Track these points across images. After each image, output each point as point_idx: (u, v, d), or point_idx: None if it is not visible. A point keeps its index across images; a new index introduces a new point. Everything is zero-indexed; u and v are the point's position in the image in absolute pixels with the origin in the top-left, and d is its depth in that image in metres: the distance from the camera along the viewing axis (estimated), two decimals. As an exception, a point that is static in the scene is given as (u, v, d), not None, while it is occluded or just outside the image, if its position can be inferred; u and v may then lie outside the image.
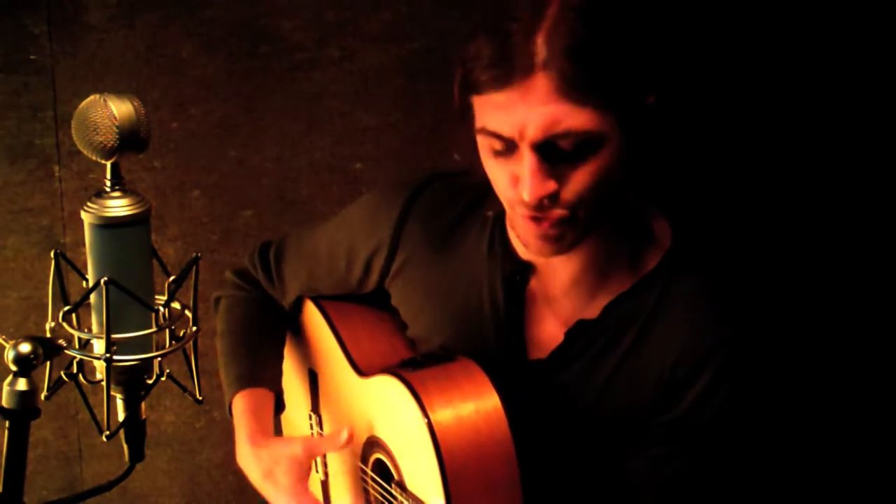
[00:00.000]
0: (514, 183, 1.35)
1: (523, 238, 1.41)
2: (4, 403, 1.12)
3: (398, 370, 1.49)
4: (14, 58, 2.19)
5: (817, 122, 2.34)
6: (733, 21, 2.30)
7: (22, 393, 1.12)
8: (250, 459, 1.62)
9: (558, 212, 1.35)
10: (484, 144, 1.37)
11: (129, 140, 1.13)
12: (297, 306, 1.79)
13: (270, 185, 2.38)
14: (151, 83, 2.26)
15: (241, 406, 1.67)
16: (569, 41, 1.26)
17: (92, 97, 1.14)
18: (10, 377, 1.12)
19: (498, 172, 1.37)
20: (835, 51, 2.30)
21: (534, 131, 1.29)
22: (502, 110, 1.30)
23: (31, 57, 2.19)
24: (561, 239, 1.38)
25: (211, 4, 2.27)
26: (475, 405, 1.43)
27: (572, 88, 1.27)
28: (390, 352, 1.64)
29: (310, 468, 1.61)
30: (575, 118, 1.28)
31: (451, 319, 1.57)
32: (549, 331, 1.52)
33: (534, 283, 1.52)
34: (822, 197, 2.36)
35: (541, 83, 1.27)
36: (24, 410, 1.12)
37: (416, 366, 1.49)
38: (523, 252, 1.51)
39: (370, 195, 1.66)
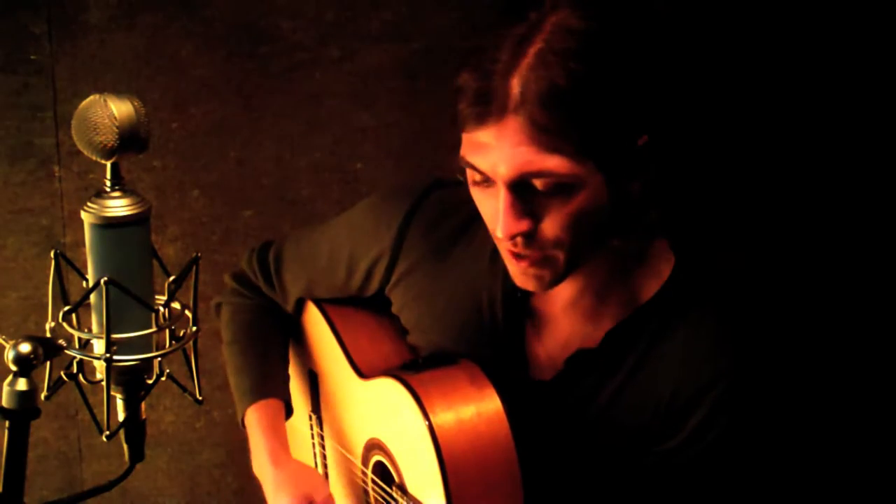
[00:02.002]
0: (495, 216, 1.34)
1: (509, 270, 1.41)
2: (4, 403, 1.12)
3: (399, 372, 1.48)
4: (14, 58, 2.19)
5: (819, 146, 2.34)
6: (724, 51, 2.30)
7: (22, 393, 1.12)
8: (268, 474, 1.64)
9: (534, 252, 1.35)
10: (468, 175, 1.37)
11: (129, 140, 1.13)
12: (298, 307, 1.79)
13: (270, 185, 2.38)
14: (151, 83, 2.26)
15: (256, 419, 1.68)
16: (543, 86, 1.25)
17: (92, 97, 1.13)
18: (10, 377, 1.12)
19: (481, 204, 1.38)
20: (835, 76, 2.30)
21: (505, 171, 1.29)
22: (479, 148, 1.31)
23: (31, 57, 2.19)
24: (540, 278, 1.38)
25: (211, 4, 2.27)
26: (476, 408, 1.42)
27: (542, 133, 1.26)
28: (392, 354, 1.63)
29: None
30: (546, 162, 1.27)
31: (451, 330, 1.56)
32: (549, 350, 1.52)
33: (534, 300, 1.52)
34: (824, 222, 2.35)
35: (511, 126, 1.27)
36: (24, 410, 1.12)
37: (417, 368, 1.49)
38: None
39: (371, 200, 1.65)
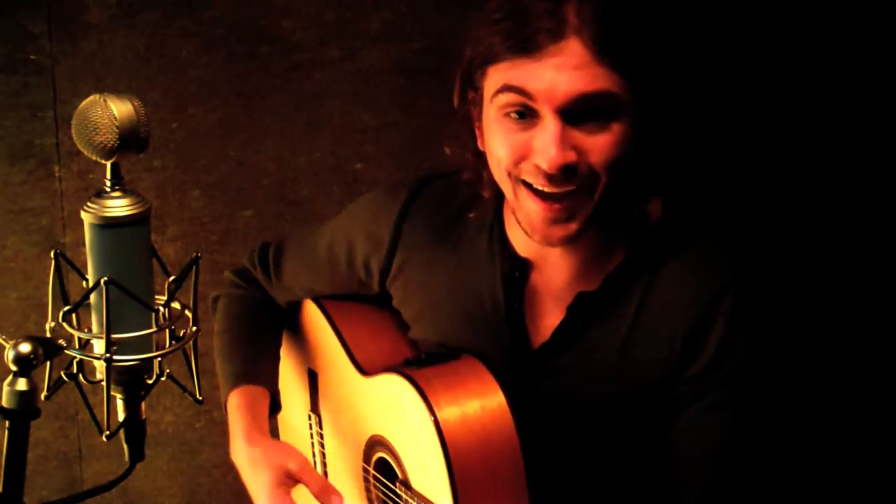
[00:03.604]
0: (527, 154, 1.36)
1: (529, 223, 1.41)
2: (4, 403, 1.12)
3: (403, 368, 1.49)
4: (14, 58, 2.19)
5: (805, 104, 2.34)
6: (734, 16, 2.31)
7: (22, 393, 1.12)
8: (242, 454, 1.63)
9: (569, 187, 1.36)
10: (497, 114, 1.38)
11: (129, 140, 1.13)
12: (297, 306, 1.79)
13: (270, 185, 2.38)
14: (151, 83, 2.26)
15: (237, 402, 1.68)
16: (597, 8, 1.31)
17: (92, 97, 1.14)
18: (10, 377, 1.12)
19: (507, 144, 1.38)
20: (830, 45, 2.30)
21: (563, 94, 1.31)
22: (529, 74, 1.33)
23: (31, 57, 2.19)
24: (570, 220, 1.38)
25: (211, 4, 2.27)
26: (481, 403, 1.43)
27: (601, 54, 1.31)
28: (393, 351, 1.64)
29: (294, 482, 1.59)
30: (604, 80, 1.31)
31: (453, 319, 1.57)
32: (552, 323, 1.52)
33: (534, 279, 1.53)
34: (812, 175, 2.36)
35: (573, 47, 1.31)
36: (24, 410, 1.12)
37: (420, 364, 1.50)
38: (521, 248, 1.52)
39: (369, 195, 1.67)
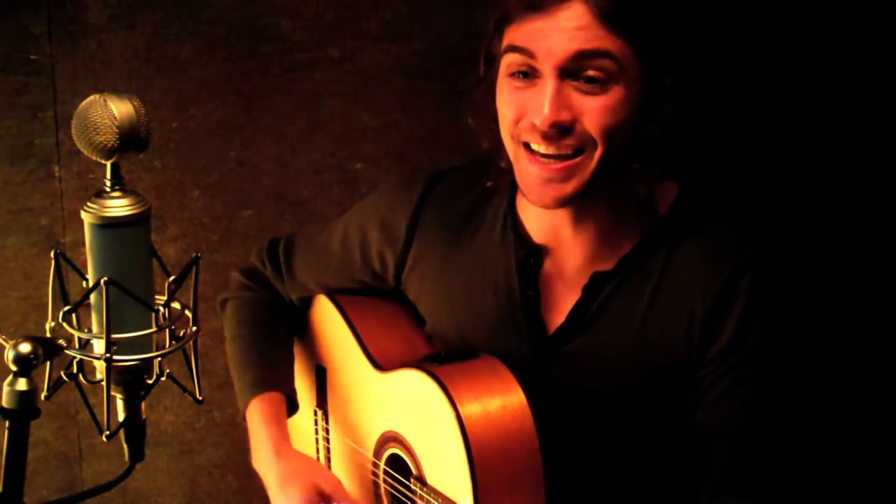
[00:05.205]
0: (525, 112, 1.39)
1: (526, 185, 1.43)
2: (4, 403, 1.12)
3: (423, 364, 1.49)
4: (14, 58, 2.19)
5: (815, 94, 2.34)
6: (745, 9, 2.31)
7: (22, 393, 1.12)
8: (272, 466, 1.64)
9: (570, 141, 1.37)
10: (504, 74, 1.41)
11: (129, 140, 1.13)
12: (308, 301, 1.79)
13: (270, 185, 2.38)
14: (151, 83, 2.26)
15: (259, 411, 1.68)
16: None
17: (92, 97, 1.13)
18: (10, 377, 1.12)
19: (510, 102, 1.41)
20: (846, 26, 2.29)
21: (563, 52, 1.35)
22: (534, 33, 1.36)
23: (31, 57, 2.19)
24: (566, 181, 1.40)
25: (211, 4, 2.27)
26: (502, 401, 1.44)
27: (603, 17, 1.34)
28: (407, 347, 1.65)
29: (323, 501, 1.62)
30: (604, 41, 1.34)
31: (469, 311, 1.57)
32: (568, 308, 1.52)
33: (548, 266, 1.53)
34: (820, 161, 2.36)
35: (577, 8, 1.35)
36: (24, 410, 1.12)
37: (440, 361, 1.51)
38: (536, 234, 1.52)
39: (384, 188, 1.68)
